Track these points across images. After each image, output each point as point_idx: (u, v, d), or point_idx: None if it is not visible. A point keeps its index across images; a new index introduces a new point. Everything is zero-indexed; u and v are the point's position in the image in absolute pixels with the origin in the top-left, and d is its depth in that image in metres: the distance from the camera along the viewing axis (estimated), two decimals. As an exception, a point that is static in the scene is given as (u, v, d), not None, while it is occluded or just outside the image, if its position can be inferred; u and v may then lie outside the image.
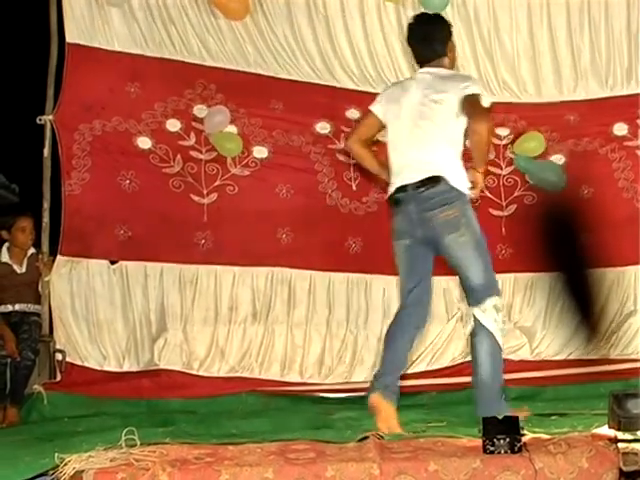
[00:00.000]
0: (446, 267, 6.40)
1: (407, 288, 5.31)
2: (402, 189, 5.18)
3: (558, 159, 7.36)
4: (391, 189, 5.24)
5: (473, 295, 5.16)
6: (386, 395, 4.98)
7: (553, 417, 5.17)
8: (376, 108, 5.35)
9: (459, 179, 5.10)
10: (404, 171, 5.18)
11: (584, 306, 6.83)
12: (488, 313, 5.10)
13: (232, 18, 7.17)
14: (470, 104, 5.04)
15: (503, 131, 7.35)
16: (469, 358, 6.29)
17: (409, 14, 7.02)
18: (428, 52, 5.32)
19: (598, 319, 6.88)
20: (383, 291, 7.20)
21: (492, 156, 7.26)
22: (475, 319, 5.10)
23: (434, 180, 5.06)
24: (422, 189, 5.08)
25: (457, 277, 5.35)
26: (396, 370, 5.18)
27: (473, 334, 5.15)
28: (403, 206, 5.19)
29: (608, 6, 7.33)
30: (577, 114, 7.40)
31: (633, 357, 6.98)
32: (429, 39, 5.33)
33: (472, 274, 5.14)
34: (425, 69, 5.31)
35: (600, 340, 6.83)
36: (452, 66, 5.43)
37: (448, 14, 7.18)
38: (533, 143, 7.30)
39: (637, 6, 7.31)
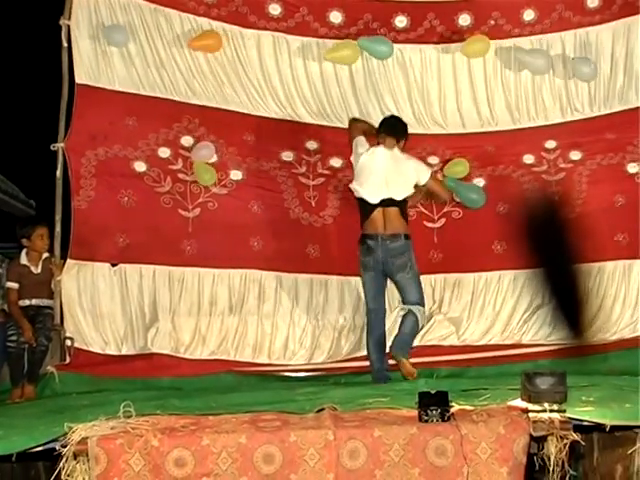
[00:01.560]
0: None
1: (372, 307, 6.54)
2: (373, 238, 6.39)
3: (479, 182, 7.40)
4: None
5: (411, 305, 6.40)
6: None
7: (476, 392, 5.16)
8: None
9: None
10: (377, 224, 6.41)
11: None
12: (420, 311, 6.42)
13: (209, 52, 7.18)
14: (434, 182, 6.75)
15: (433, 159, 7.39)
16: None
17: (359, 66, 7.33)
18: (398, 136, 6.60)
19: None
20: (337, 288, 7.20)
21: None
22: (409, 310, 6.38)
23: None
24: (388, 241, 6.36)
25: (398, 280, 6.49)
26: (383, 350, 6.43)
27: (405, 315, 6.42)
28: (373, 250, 6.37)
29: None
30: (494, 146, 7.45)
31: (541, 342, 7.03)
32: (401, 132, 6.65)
33: (412, 296, 6.44)
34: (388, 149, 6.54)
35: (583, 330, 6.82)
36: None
37: (389, 65, 7.30)
38: (460, 167, 7.33)
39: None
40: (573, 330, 6.68)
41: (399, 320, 6.57)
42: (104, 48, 6.95)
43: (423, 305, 6.47)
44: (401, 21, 7.35)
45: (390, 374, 6.32)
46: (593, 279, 7.10)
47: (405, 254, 6.40)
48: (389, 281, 6.60)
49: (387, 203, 6.43)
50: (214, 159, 7.14)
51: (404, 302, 6.49)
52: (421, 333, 6.93)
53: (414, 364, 6.31)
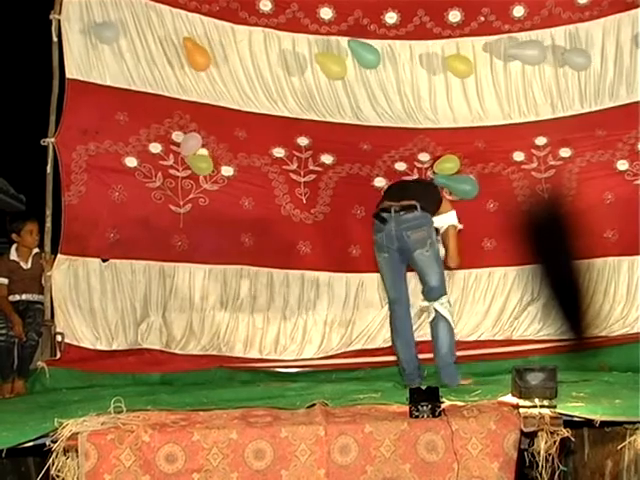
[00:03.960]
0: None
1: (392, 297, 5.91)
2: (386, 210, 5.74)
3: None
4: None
5: (432, 293, 5.71)
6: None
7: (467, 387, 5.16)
8: None
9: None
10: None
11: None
12: (444, 306, 5.71)
13: (195, 68, 7.17)
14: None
15: (424, 156, 7.40)
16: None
17: (349, 61, 7.36)
18: None
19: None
20: (328, 284, 7.19)
21: (416, 177, 7.34)
22: (436, 311, 5.69)
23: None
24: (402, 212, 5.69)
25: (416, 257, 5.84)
26: (413, 349, 5.86)
27: (434, 322, 5.73)
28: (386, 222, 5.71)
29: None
30: (484, 141, 7.45)
31: (531, 338, 7.03)
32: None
33: (431, 278, 5.71)
34: None
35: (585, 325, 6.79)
36: None
37: (380, 60, 7.31)
38: (450, 164, 7.34)
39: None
40: (574, 327, 6.67)
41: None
42: (95, 43, 6.91)
43: (445, 292, 5.80)
44: (391, 17, 7.35)
45: (424, 371, 5.92)
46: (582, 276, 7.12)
47: (424, 228, 5.71)
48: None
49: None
50: (204, 152, 7.13)
51: (425, 292, 5.80)
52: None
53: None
